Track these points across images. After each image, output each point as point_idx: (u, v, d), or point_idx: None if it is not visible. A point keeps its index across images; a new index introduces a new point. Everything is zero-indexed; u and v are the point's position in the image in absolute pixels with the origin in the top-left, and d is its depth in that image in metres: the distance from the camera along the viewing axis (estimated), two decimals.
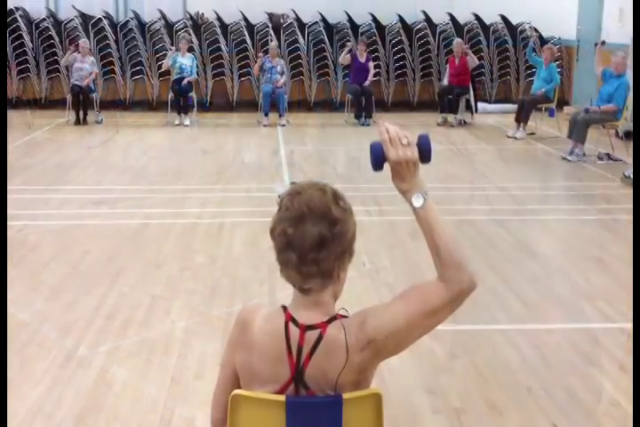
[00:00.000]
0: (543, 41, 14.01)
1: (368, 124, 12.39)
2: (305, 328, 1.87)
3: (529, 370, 3.93)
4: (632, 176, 8.05)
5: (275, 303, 1.75)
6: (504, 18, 14.34)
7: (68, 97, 12.39)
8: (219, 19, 14.00)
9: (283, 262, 1.87)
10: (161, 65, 13.06)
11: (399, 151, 1.82)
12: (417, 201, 1.85)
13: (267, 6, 14.05)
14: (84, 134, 11.50)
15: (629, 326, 4.47)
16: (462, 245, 1.87)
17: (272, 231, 1.88)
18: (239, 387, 1.97)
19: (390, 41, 14.13)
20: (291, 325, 1.88)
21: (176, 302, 4.80)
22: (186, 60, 12.48)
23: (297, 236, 1.83)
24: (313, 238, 1.82)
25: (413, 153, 1.83)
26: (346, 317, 1.92)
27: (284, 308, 1.92)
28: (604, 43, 10.31)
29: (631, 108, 10.27)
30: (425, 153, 1.84)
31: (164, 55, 12.93)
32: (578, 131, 9.63)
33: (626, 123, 10.28)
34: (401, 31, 14.12)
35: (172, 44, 13.27)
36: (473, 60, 12.56)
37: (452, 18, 14.24)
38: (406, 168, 1.84)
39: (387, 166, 1.84)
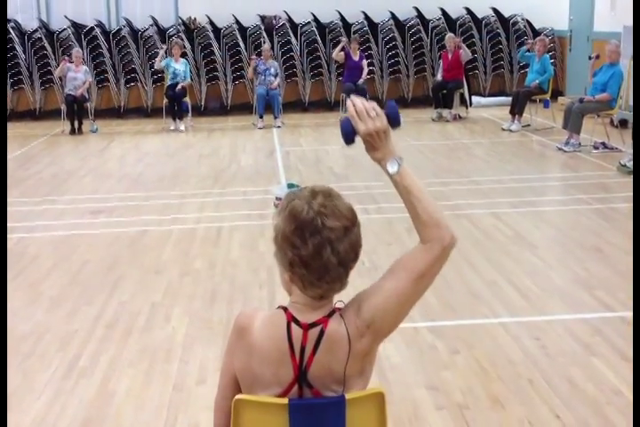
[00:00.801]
0: (536, 32, 14.00)
1: None
2: (307, 327, 1.87)
3: (530, 362, 3.93)
4: (631, 165, 8.04)
5: (275, 306, 1.75)
6: (496, 11, 14.34)
7: (63, 107, 12.41)
8: (211, 23, 14.02)
9: (330, 280, 1.85)
10: (155, 72, 13.06)
11: (368, 124, 1.85)
12: (392, 167, 1.87)
13: (259, 9, 14.06)
14: (79, 144, 11.50)
15: (629, 314, 4.48)
16: (438, 204, 1.90)
17: (316, 256, 1.82)
18: (240, 392, 1.96)
19: (383, 38, 14.13)
20: (293, 325, 1.88)
21: (176, 308, 4.81)
22: (179, 66, 12.49)
23: (346, 250, 1.83)
24: (351, 250, 1.84)
25: (382, 122, 1.85)
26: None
27: (284, 309, 1.92)
28: (598, 57, 10.27)
29: (625, 97, 10.28)
30: (394, 120, 1.87)
31: (157, 53, 12.89)
32: (573, 121, 9.63)
33: (620, 111, 10.28)
34: (393, 28, 14.12)
35: (163, 43, 13.24)
36: (466, 54, 12.56)
37: (444, 13, 14.24)
38: (378, 138, 1.86)
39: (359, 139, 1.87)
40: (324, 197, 1.86)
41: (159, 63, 12.51)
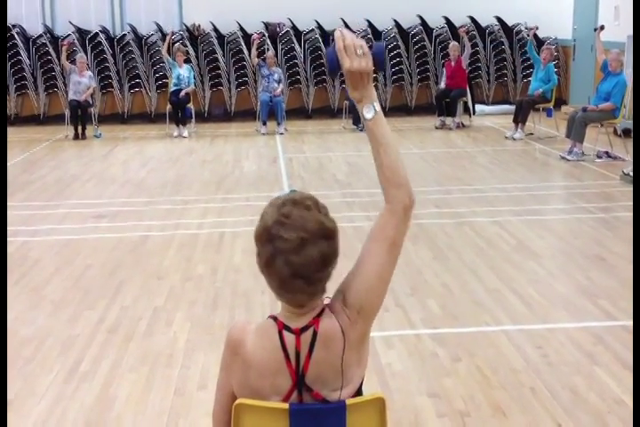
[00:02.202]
0: (540, 41, 14.02)
1: None
2: (299, 331, 1.88)
3: (532, 371, 3.92)
4: (632, 174, 8.04)
5: (276, 312, 1.75)
6: (500, 20, 14.36)
7: (67, 112, 12.43)
8: (215, 30, 14.05)
9: (289, 290, 1.84)
10: (159, 77, 13.09)
11: (354, 62, 1.83)
12: (367, 112, 1.87)
13: (263, 16, 14.09)
14: (83, 149, 11.52)
15: (632, 323, 4.46)
16: (404, 165, 1.90)
17: (270, 264, 1.82)
18: None
19: (387, 46, 14.13)
20: (285, 333, 1.88)
21: (178, 314, 4.80)
22: (183, 72, 12.52)
23: (301, 263, 1.80)
24: (316, 260, 1.81)
25: (367, 63, 1.83)
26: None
27: (274, 318, 1.91)
28: (602, 27, 10.25)
29: (630, 106, 10.28)
30: (379, 62, 1.85)
31: (162, 68, 12.96)
32: (576, 130, 9.63)
33: (624, 120, 10.28)
34: (397, 36, 14.15)
35: (168, 54, 13.31)
36: (467, 48, 12.50)
37: (448, 21, 14.26)
38: (359, 78, 1.85)
39: None
40: (293, 206, 1.83)
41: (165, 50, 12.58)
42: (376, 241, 1.89)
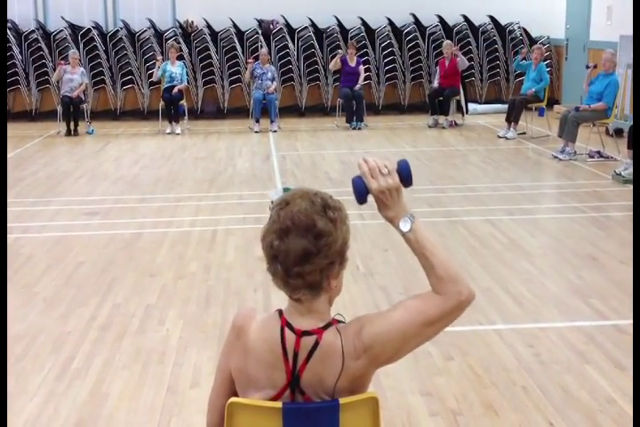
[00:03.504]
0: (532, 41, 14.06)
1: (359, 128, 12.43)
2: (301, 334, 1.88)
3: (524, 369, 3.93)
4: (626, 174, 8.06)
5: (270, 310, 1.76)
6: (493, 19, 14.38)
7: (59, 108, 12.39)
8: (208, 26, 14.03)
9: (272, 273, 1.89)
10: (151, 74, 13.08)
11: (380, 181, 1.85)
12: (405, 226, 1.88)
13: (256, 13, 14.07)
14: (75, 145, 11.49)
15: (623, 323, 4.49)
16: (453, 259, 1.90)
17: (262, 242, 1.89)
18: (235, 391, 1.98)
19: (380, 44, 14.15)
20: (287, 330, 1.89)
21: (171, 311, 4.80)
22: (175, 69, 12.50)
23: (282, 249, 1.83)
24: (297, 253, 1.82)
25: (395, 180, 1.86)
26: (342, 322, 1.92)
27: (280, 313, 1.93)
28: (595, 66, 10.31)
29: (621, 106, 10.32)
30: (406, 178, 1.88)
31: (154, 64, 12.93)
32: (568, 129, 9.66)
33: (616, 120, 10.31)
34: (390, 34, 14.15)
35: (161, 54, 13.29)
36: (463, 62, 12.58)
37: (442, 20, 14.28)
38: (390, 196, 1.86)
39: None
40: (301, 197, 1.88)
41: (157, 74, 12.51)
42: (416, 309, 1.86)
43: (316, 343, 1.86)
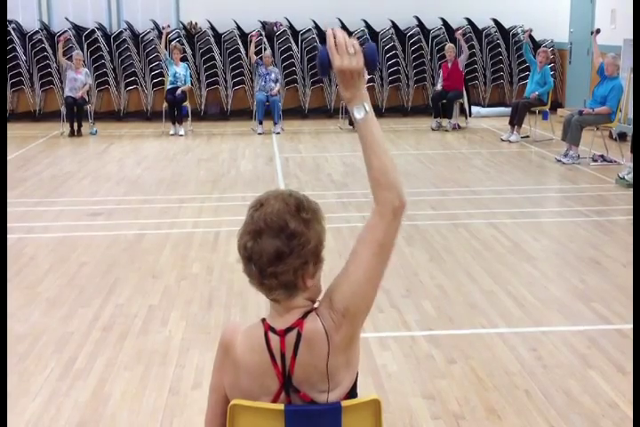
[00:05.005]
0: (536, 44, 14.05)
1: None
2: (284, 333, 1.89)
3: (527, 373, 3.93)
4: (630, 178, 8.05)
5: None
6: (496, 22, 14.37)
7: (63, 109, 12.40)
8: (212, 28, 14.04)
9: (247, 274, 1.91)
10: (155, 75, 13.09)
11: (344, 60, 1.80)
12: (358, 112, 1.85)
13: (260, 15, 14.08)
14: (78, 146, 11.50)
15: (626, 327, 4.48)
16: (395, 166, 1.87)
17: (237, 243, 1.91)
18: None
19: (383, 47, 14.16)
20: (270, 334, 1.90)
21: (173, 312, 4.80)
22: (179, 70, 12.50)
23: (256, 250, 1.85)
24: (270, 253, 1.84)
25: (358, 62, 1.81)
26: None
27: (263, 320, 1.94)
28: (598, 31, 10.27)
29: (625, 110, 10.31)
30: (371, 63, 1.83)
31: (158, 65, 12.95)
32: (572, 133, 9.65)
33: (619, 124, 10.30)
34: (394, 37, 14.15)
35: (165, 49, 13.27)
36: (465, 50, 12.52)
37: (445, 23, 14.28)
38: (350, 77, 1.82)
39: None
40: (275, 198, 1.89)
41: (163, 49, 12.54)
42: (364, 243, 1.87)
43: (299, 335, 1.87)
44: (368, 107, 1.84)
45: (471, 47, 14.23)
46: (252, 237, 1.85)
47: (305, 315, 1.89)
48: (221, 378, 1.96)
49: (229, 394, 1.95)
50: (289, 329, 1.88)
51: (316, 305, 1.92)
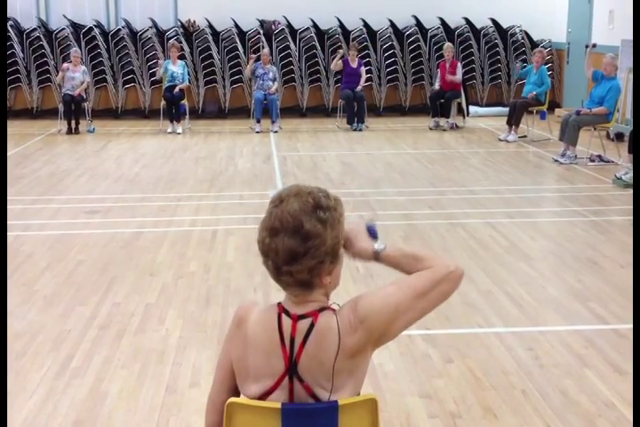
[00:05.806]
0: (533, 44, 14.07)
1: (360, 130, 12.43)
2: (297, 318, 1.91)
3: (523, 373, 3.93)
4: (627, 179, 8.06)
5: None
6: (494, 22, 14.38)
7: (60, 106, 12.39)
8: (210, 26, 14.03)
9: (266, 267, 1.94)
10: (153, 73, 13.09)
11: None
12: (379, 246, 2.00)
13: (258, 13, 14.08)
14: (76, 144, 11.49)
15: (623, 327, 4.49)
16: (436, 256, 2.01)
17: (258, 235, 1.93)
18: (235, 387, 2.00)
19: (382, 46, 14.16)
20: (283, 316, 1.93)
21: (170, 311, 4.80)
22: (177, 68, 12.49)
23: (272, 248, 1.87)
24: (284, 253, 1.86)
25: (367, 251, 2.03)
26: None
27: (278, 303, 1.98)
28: (594, 45, 10.33)
29: (622, 110, 10.32)
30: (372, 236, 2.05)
31: (156, 63, 12.94)
32: (569, 133, 9.66)
33: (617, 124, 10.32)
34: (392, 36, 14.16)
35: (162, 52, 13.29)
36: (459, 78, 12.60)
37: (443, 22, 14.29)
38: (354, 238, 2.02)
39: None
40: (296, 196, 1.92)
41: (160, 72, 12.50)
42: (408, 284, 1.95)
43: (312, 325, 1.89)
44: (383, 242, 2.02)
45: (469, 47, 14.26)
46: (269, 235, 1.88)
47: (321, 309, 1.92)
48: (229, 352, 1.99)
49: (236, 368, 1.97)
50: (303, 316, 1.91)
51: (333, 306, 1.95)
